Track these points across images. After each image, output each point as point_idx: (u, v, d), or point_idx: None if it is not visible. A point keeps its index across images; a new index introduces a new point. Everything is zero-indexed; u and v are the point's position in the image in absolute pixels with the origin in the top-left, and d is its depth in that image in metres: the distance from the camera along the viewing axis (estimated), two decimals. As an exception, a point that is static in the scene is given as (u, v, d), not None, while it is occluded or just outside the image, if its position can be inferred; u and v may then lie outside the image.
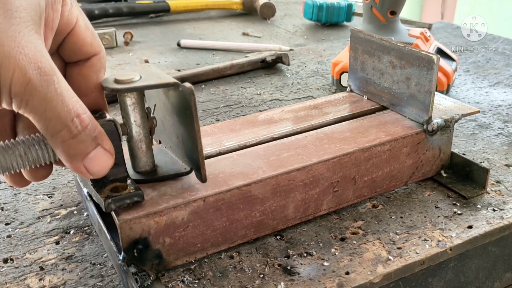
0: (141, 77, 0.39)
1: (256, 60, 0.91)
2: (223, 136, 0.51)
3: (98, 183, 0.40)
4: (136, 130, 0.41)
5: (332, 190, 0.47)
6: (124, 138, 0.41)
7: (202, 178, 0.40)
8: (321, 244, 0.44)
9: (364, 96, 0.58)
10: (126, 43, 1.09)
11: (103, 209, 0.38)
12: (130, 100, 0.40)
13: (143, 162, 0.42)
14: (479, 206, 0.49)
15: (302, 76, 0.89)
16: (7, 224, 0.49)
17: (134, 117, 0.40)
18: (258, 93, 0.81)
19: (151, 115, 0.42)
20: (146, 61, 0.44)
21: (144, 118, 0.41)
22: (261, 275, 0.41)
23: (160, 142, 0.47)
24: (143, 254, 0.39)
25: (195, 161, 0.40)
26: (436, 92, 0.50)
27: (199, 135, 0.38)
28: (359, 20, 1.23)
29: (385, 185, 0.50)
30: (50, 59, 0.33)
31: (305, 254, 0.43)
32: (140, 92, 0.40)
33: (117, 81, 0.38)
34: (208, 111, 0.75)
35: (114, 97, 0.59)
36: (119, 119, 0.41)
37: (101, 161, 0.36)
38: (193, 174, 0.42)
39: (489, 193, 0.51)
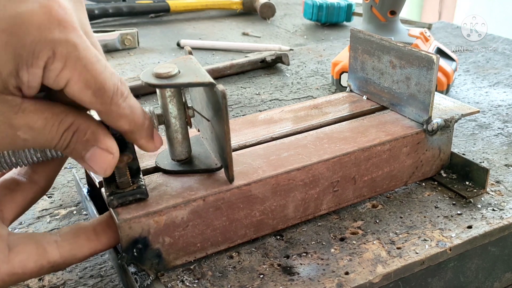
0: (179, 72, 0.39)
1: (256, 60, 0.91)
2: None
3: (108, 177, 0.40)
4: (173, 121, 0.42)
5: (332, 189, 0.47)
6: (161, 127, 0.42)
7: (230, 178, 0.41)
8: (320, 244, 0.44)
9: (364, 96, 0.58)
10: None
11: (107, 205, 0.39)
12: (167, 93, 0.41)
13: (178, 152, 0.44)
14: (479, 206, 0.49)
15: (302, 76, 0.89)
16: (6, 223, 0.49)
17: (171, 109, 0.41)
18: (258, 93, 0.81)
19: (189, 106, 0.42)
20: (190, 53, 0.44)
21: (180, 110, 0.41)
22: (261, 275, 0.41)
23: (199, 130, 0.48)
24: (143, 253, 0.39)
25: (225, 160, 0.41)
26: (436, 92, 0.50)
27: (229, 137, 0.39)
28: (359, 20, 1.23)
29: (385, 185, 0.50)
30: None
31: (304, 254, 0.43)
32: None
33: (155, 75, 0.39)
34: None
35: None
36: (157, 109, 0.42)
37: (99, 160, 0.36)
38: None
39: (488, 193, 0.51)
